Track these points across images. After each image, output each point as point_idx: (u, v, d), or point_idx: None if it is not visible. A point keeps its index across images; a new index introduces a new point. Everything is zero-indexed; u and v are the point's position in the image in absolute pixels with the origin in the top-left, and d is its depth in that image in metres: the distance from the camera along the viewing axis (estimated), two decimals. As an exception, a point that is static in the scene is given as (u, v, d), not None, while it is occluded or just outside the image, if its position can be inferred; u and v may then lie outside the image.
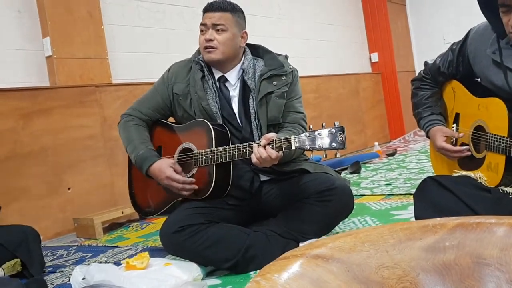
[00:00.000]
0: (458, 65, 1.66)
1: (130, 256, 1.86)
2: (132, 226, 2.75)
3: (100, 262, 1.98)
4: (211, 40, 1.76)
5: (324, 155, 1.57)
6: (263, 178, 1.82)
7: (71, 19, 2.88)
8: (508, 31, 1.35)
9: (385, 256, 0.89)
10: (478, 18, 1.49)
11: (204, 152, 1.70)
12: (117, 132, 1.99)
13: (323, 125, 1.45)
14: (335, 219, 1.78)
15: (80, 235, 2.64)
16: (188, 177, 1.73)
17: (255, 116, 1.79)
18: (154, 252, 1.93)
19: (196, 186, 1.71)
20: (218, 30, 1.77)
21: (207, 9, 1.81)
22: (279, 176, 1.80)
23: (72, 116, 2.82)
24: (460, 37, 1.66)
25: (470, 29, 1.61)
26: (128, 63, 3.30)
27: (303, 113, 1.86)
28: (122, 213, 2.70)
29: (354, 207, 1.79)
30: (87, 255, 2.20)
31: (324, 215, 1.70)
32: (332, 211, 1.71)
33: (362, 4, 5.97)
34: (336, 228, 1.89)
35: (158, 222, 2.75)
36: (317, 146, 1.42)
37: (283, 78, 1.81)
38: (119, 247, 2.28)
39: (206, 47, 1.78)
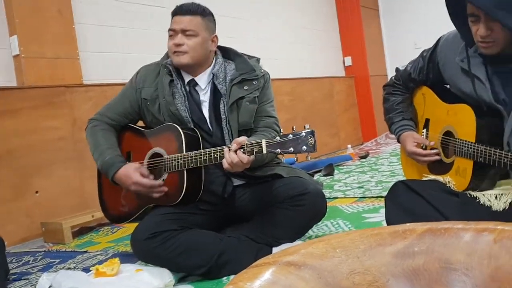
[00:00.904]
0: (428, 72, 1.69)
1: (100, 262, 1.82)
2: (103, 230, 2.70)
3: (68, 269, 1.92)
4: (180, 45, 1.73)
5: (295, 158, 1.57)
6: (236, 182, 1.81)
7: (40, 17, 2.81)
8: (476, 40, 1.38)
9: (356, 262, 0.90)
10: (448, 25, 1.52)
11: (175, 157, 1.67)
12: (87, 134, 1.94)
13: (294, 129, 1.46)
14: (308, 224, 1.79)
15: (48, 240, 2.57)
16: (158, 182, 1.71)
17: (226, 122, 1.77)
18: (125, 258, 1.90)
19: (166, 189, 1.69)
20: (187, 35, 1.73)
21: (176, 12, 1.77)
22: (252, 181, 1.80)
23: (41, 118, 2.74)
24: (431, 43, 1.69)
25: (440, 37, 1.65)
26: (100, 64, 3.24)
27: (275, 117, 1.85)
28: (93, 216, 2.64)
29: (327, 210, 1.80)
30: (54, 261, 2.14)
31: (297, 219, 1.71)
32: (305, 215, 1.72)
33: (336, 9, 6.05)
34: (309, 231, 1.90)
35: (129, 226, 2.70)
36: (288, 150, 1.42)
37: (254, 83, 1.79)
38: (89, 252, 2.23)
39: (175, 52, 1.75)
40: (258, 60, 1.89)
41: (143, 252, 1.64)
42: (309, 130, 1.42)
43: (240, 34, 4.16)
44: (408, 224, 0.96)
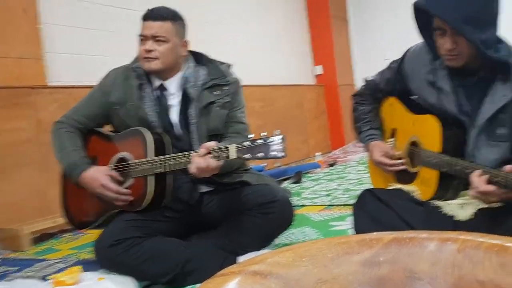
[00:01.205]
0: (396, 83, 1.72)
1: (60, 270, 1.76)
2: (65, 236, 2.62)
3: (26, 278, 1.84)
4: (151, 51, 1.71)
5: (264, 165, 1.56)
6: (203, 189, 1.79)
7: (4, 16, 2.71)
8: (441, 53, 1.41)
9: (323, 271, 0.90)
10: (417, 38, 1.55)
11: (140, 162, 1.64)
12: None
13: (263, 134, 1.45)
14: (275, 232, 1.78)
15: (4, 247, 2.45)
16: (124, 188, 1.67)
17: (195, 126, 1.75)
18: (88, 265, 1.83)
19: (131, 198, 1.65)
20: (157, 41, 1.71)
21: (147, 17, 1.74)
22: (220, 187, 1.78)
23: (4, 119, 2.64)
24: (399, 54, 1.73)
25: (408, 49, 1.68)
26: (68, 65, 3.16)
27: (245, 123, 1.84)
28: (55, 222, 2.55)
29: (295, 218, 1.80)
30: (11, 270, 2.05)
31: (264, 227, 1.70)
32: (273, 224, 1.71)
33: (308, 18, 6.12)
34: (276, 239, 1.89)
35: (92, 232, 2.63)
36: (257, 155, 1.41)
37: (225, 88, 1.78)
38: (48, 260, 2.15)
39: (145, 57, 1.73)
40: (229, 66, 1.88)
41: (107, 259, 1.59)
42: (279, 135, 1.41)
43: (213, 39, 4.14)
44: (375, 233, 0.96)
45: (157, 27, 1.71)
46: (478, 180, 1.27)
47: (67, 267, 1.91)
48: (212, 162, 1.47)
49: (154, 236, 1.63)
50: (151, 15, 1.73)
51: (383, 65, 1.83)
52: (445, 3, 1.29)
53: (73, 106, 1.90)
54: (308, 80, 6.03)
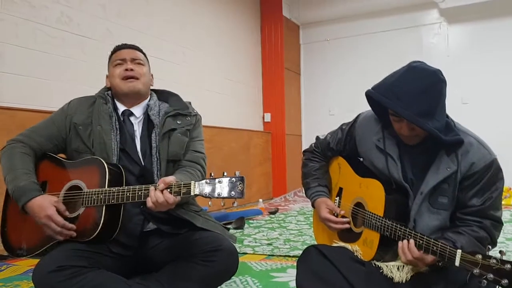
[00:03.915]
0: (346, 144, 1.82)
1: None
2: (-11, 267, 2.44)
3: None
4: (132, 70, 1.81)
5: (222, 204, 1.57)
6: (152, 227, 1.77)
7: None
8: (399, 134, 1.53)
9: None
10: (360, 97, 1.66)
11: (95, 191, 1.60)
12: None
13: (224, 174, 1.48)
14: (217, 280, 1.77)
15: None
16: (74, 217, 1.62)
17: (156, 150, 1.77)
18: (15, 301, 1.73)
19: (74, 234, 1.60)
20: (137, 63, 1.84)
21: (121, 47, 1.87)
22: (168, 229, 1.77)
23: None
24: (344, 110, 1.84)
25: (360, 114, 1.80)
26: (16, 86, 3.06)
27: (203, 153, 1.89)
28: (-21, 251, 2.38)
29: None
30: None
31: (207, 275, 1.68)
32: (216, 271, 1.70)
33: (262, 66, 6.33)
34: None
35: (20, 265, 2.49)
36: (216, 194, 1.43)
37: (187, 119, 1.86)
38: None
39: (127, 77, 1.80)
40: (190, 103, 1.97)
41: (46, 286, 1.51)
42: (239, 176, 1.44)
43: (165, 77, 4.18)
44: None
45: (134, 52, 1.86)
46: (407, 248, 1.39)
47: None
48: (170, 198, 1.48)
49: (98, 269, 1.58)
50: (126, 45, 1.88)
51: (328, 119, 1.94)
52: (401, 99, 1.41)
53: (30, 127, 1.84)
54: (256, 126, 6.16)
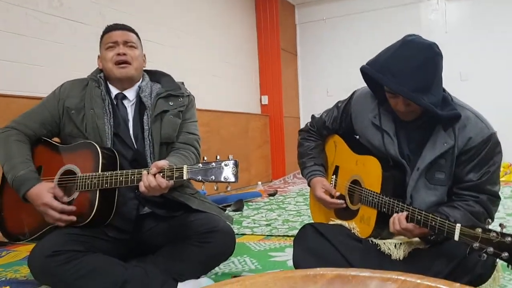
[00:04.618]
0: (342, 122, 1.80)
1: (-16, 291, 1.64)
2: (-12, 254, 2.45)
3: None
4: (124, 54, 1.76)
5: (215, 188, 1.57)
6: (147, 210, 1.76)
7: None
8: (395, 110, 1.51)
9: (268, 305, 0.91)
10: (358, 77, 1.64)
11: (89, 176, 1.59)
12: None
13: (217, 158, 1.46)
14: (214, 261, 1.77)
15: None
16: (68, 202, 1.61)
17: (148, 133, 1.75)
18: (15, 285, 1.73)
19: (74, 218, 1.59)
20: (129, 46, 1.78)
21: (113, 28, 1.81)
22: (162, 212, 1.76)
23: None
24: (341, 90, 1.82)
25: (355, 91, 1.77)
26: (8, 73, 3.02)
27: (197, 135, 1.86)
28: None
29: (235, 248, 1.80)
30: None
31: (203, 256, 1.68)
32: (212, 252, 1.69)
33: (258, 49, 6.27)
34: (216, 268, 1.88)
35: (20, 250, 2.49)
36: (209, 178, 1.41)
37: (179, 100, 1.83)
38: (-30, 278, 2.00)
39: (119, 62, 1.76)
40: (183, 83, 1.94)
41: (42, 271, 1.51)
42: (233, 160, 1.43)
43: (162, 60, 4.14)
44: (318, 268, 0.99)
45: (127, 34, 1.80)
46: (397, 219, 1.40)
47: (-9, 287, 1.79)
48: (162, 182, 1.46)
49: (94, 253, 1.58)
50: (117, 26, 1.81)
51: (326, 100, 1.92)
52: (396, 75, 1.39)
53: (23, 112, 1.82)
54: (254, 109, 6.13)
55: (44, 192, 1.59)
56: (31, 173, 1.66)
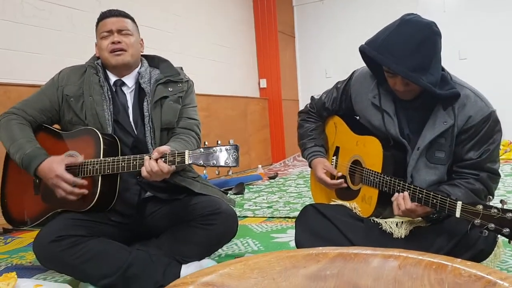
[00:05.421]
0: (341, 102, 1.80)
1: (-9, 277, 1.65)
2: (-6, 240, 2.47)
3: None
4: (119, 42, 1.74)
5: (217, 172, 1.58)
6: (149, 194, 1.78)
7: None
8: (394, 90, 1.50)
9: (271, 283, 0.93)
10: (356, 58, 1.64)
11: (90, 162, 1.60)
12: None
13: (218, 142, 1.47)
14: (217, 243, 1.79)
15: None
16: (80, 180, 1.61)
17: (149, 119, 1.76)
18: (21, 271, 1.76)
19: (86, 191, 1.60)
20: (123, 34, 1.76)
21: (107, 15, 1.78)
22: (164, 195, 1.77)
23: None
24: (340, 72, 1.81)
25: (354, 71, 1.77)
26: (6, 62, 3.00)
27: (197, 120, 1.87)
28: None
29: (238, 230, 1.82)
30: None
31: (206, 238, 1.70)
32: (215, 234, 1.71)
33: (255, 31, 6.22)
34: (219, 250, 1.90)
35: (24, 237, 2.51)
36: (210, 163, 1.42)
37: (179, 85, 1.83)
38: (-24, 265, 2.02)
39: (114, 50, 1.74)
40: (181, 68, 1.93)
41: (47, 256, 1.53)
42: (233, 144, 1.44)
43: (159, 45, 4.11)
44: (321, 247, 1.01)
45: (121, 21, 1.78)
46: (402, 198, 1.40)
47: (0, 272, 1.81)
48: (164, 167, 1.47)
49: (98, 237, 1.59)
50: (112, 13, 1.78)
51: (325, 82, 1.91)
52: (394, 55, 1.38)
53: (23, 100, 1.82)
54: (252, 92, 6.11)
55: (56, 164, 1.59)
56: (39, 149, 1.66)
